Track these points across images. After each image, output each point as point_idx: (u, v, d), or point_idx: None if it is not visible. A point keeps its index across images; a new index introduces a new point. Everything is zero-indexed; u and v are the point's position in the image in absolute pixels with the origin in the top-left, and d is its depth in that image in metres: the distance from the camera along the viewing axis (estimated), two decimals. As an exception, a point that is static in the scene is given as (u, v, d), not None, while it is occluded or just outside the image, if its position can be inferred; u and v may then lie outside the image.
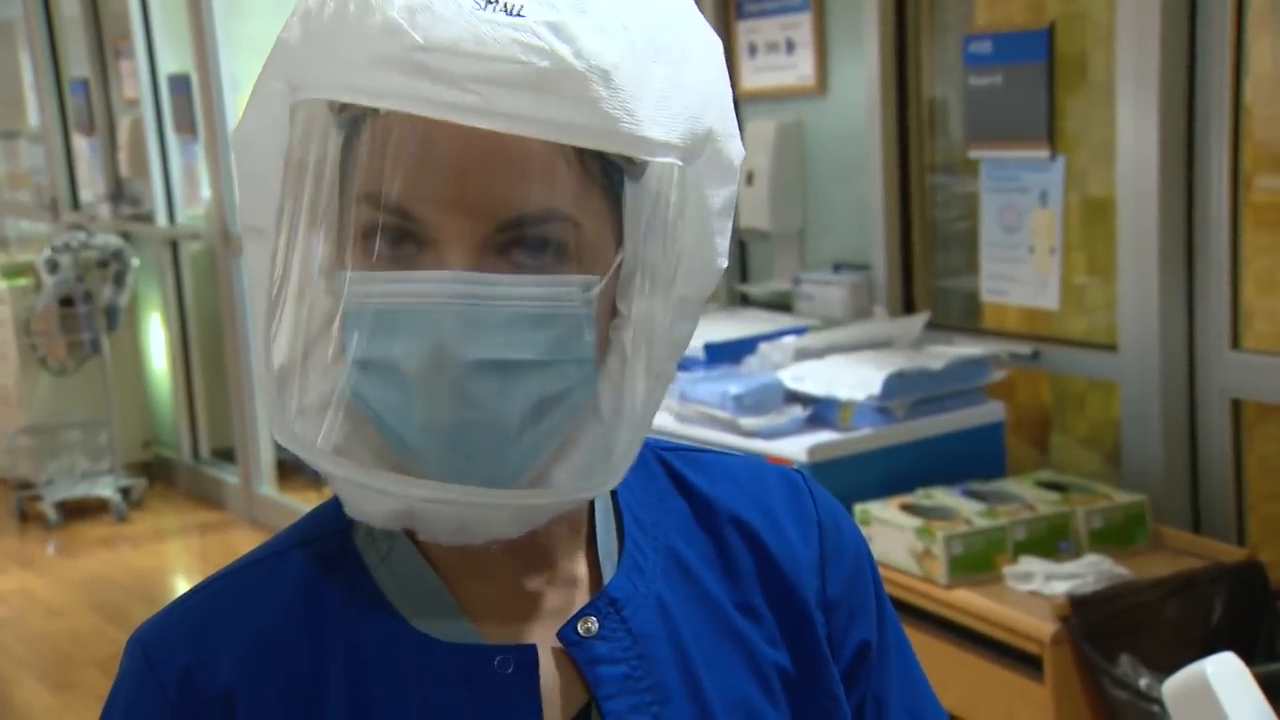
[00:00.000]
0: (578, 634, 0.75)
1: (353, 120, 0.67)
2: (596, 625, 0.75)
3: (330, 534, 0.77)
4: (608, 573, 0.77)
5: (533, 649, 0.74)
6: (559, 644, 0.75)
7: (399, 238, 0.67)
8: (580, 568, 0.77)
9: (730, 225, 0.75)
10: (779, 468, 0.86)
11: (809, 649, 0.80)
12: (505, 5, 0.64)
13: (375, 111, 0.66)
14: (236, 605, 0.76)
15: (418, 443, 0.67)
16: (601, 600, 0.76)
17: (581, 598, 0.76)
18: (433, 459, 0.67)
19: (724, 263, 0.75)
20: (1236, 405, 2.39)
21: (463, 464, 0.67)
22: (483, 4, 0.64)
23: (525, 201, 0.66)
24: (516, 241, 0.67)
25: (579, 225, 0.67)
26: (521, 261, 0.67)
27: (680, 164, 0.68)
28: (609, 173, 0.69)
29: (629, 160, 0.68)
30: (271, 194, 0.70)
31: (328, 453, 0.68)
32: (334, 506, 0.79)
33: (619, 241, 0.70)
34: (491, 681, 0.73)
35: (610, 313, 0.70)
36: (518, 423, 0.67)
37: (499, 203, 0.66)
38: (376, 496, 0.68)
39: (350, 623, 0.74)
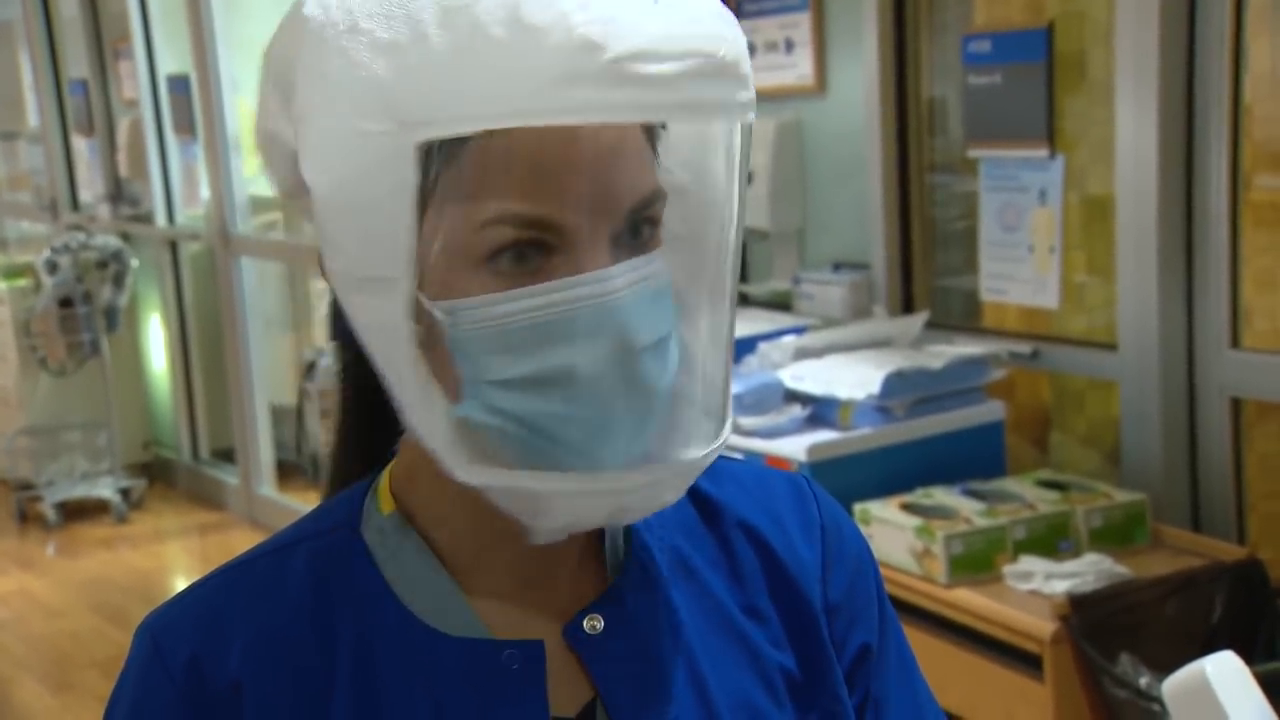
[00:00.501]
0: (584, 631, 0.75)
1: (431, 151, 0.66)
2: (602, 623, 0.76)
3: (338, 528, 0.78)
4: (614, 571, 0.78)
5: (540, 644, 0.74)
6: (565, 641, 0.75)
7: (527, 253, 0.67)
8: (587, 566, 0.78)
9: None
10: (784, 472, 0.87)
11: (814, 652, 0.80)
12: (669, 2, 0.66)
13: (479, 135, 0.65)
14: (245, 597, 0.76)
15: (589, 442, 0.68)
16: (608, 598, 0.76)
17: (588, 595, 0.77)
18: (606, 452, 0.68)
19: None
20: (1236, 404, 2.39)
21: (637, 448, 0.69)
22: (652, 3, 0.65)
23: (644, 187, 0.69)
24: (629, 228, 0.69)
25: (667, 200, 0.71)
26: (633, 245, 0.69)
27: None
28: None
29: (663, 126, 0.72)
30: (395, 239, 0.66)
31: (538, 473, 0.68)
32: (341, 503, 0.80)
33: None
34: (499, 676, 0.73)
35: None
36: (668, 396, 0.70)
37: (627, 193, 0.68)
38: (598, 498, 0.69)
39: (358, 616, 0.75)
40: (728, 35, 0.67)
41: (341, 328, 0.75)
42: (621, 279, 0.67)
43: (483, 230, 0.66)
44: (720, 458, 0.84)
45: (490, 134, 0.65)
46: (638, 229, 0.69)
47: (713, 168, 0.73)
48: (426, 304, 0.68)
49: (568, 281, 0.66)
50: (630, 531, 0.79)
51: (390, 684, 0.73)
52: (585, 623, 0.75)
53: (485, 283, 0.67)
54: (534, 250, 0.67)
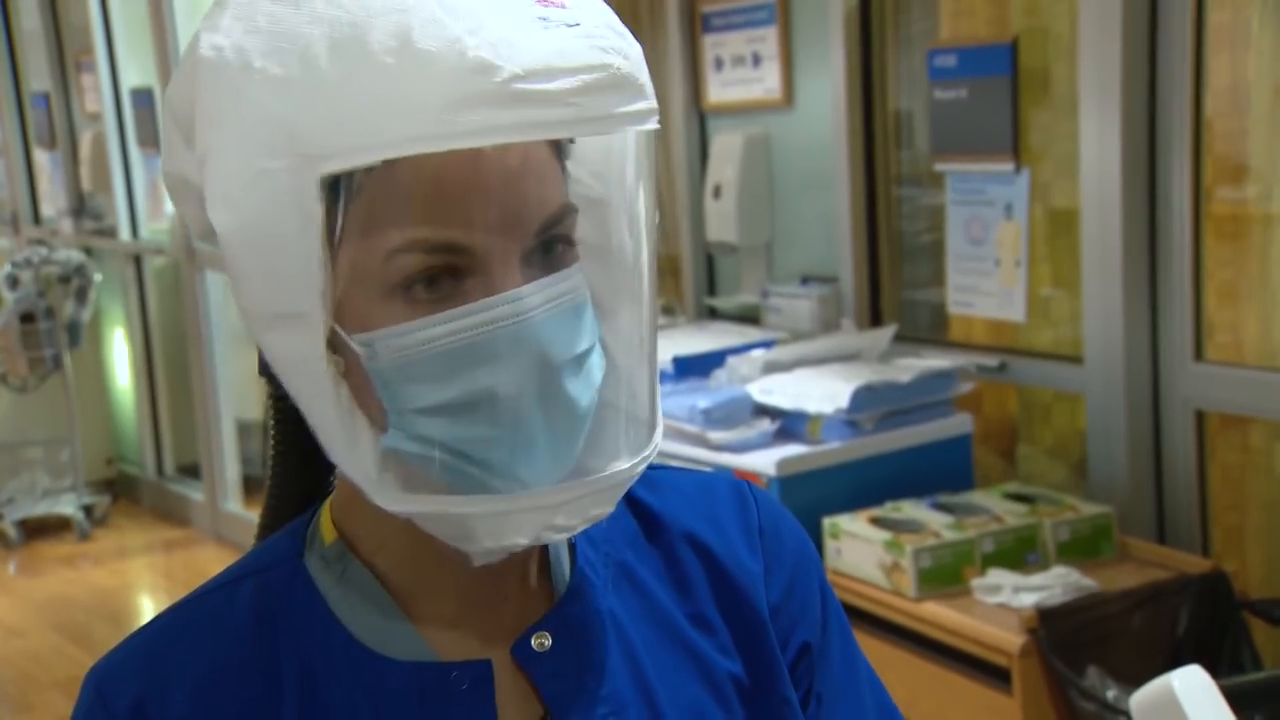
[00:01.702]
0: (532, 649, 0.75)
1: (345, 178, 0.66)
2: (550, 640, 0.76)
3: (283, 561, 0.77)
4: (560, 588, 0.78)
5: (488, 664, 0.74)
6: (514, 659, 0.75)
7: (439, 279, 0.67)
8: (533, 584, 0.78)
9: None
10: (727, 477, 0.88)
11: (762, 657, 0.81)
12: (563, 19, 0.67)
13: (382, 165, 0.64)
14: (188, 636, 0.75)
15: (510, 462, 0.68)
16: (554, 615, 0.76)
17: (535, 613, 0.77)
18: (528, 471, 0.68)
19: (658, 213, 0.77)
20: (1200, 416, 2.41)
21: (558, 467, 0.69)
22: (543, 23, 0.66)
23: (551, 204, 0.69)
24: (540, 246, 0.69)
25: (577, 214, 0.71)
26: (545, 263, 0.69)
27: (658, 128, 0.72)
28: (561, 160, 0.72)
29: (570, 141, 0.72)
30: (305, 275, 0.66)
31: (462, 497, 0.68)
32: (284, 536, 0.80)
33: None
34: (448, 698, 0.73)
35: None
36: (589, 413, 0.70)
37: (535, 212, 0.68)
38: (525, 517, 0.68)
39: (303, 645, 0.74)
40: (621, 48, 0.68)
41: (267, 363, 0.75)
42: (535, 298, 0.67)
43: (391, 259, 0.66)
44: (662, 467, 0.84)
45: (392, 163, 0.65)
46: (550, 246, 0.69)
47: (621, 178, 0.74)
48: (344, 337, 0.67)
49: (481, 304, 0.66)
50: (574, 547, 0.79)
51: (338, 711, 0.73)
52: (533, 641, 0.75)
53: (399, 311, 0.67)
54: (446, 276, 0.67)
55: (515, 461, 0.68)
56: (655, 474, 0.84)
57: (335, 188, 0.66)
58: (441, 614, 0.75)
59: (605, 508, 0.71)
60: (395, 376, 0.67)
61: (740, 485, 0.86)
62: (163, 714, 0.73)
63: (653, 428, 0.74)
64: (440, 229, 0.66)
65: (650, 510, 0.82)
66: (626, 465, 0.72)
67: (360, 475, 0.69)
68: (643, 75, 0.69)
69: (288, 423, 0.80)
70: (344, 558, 0.76)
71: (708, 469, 2.43)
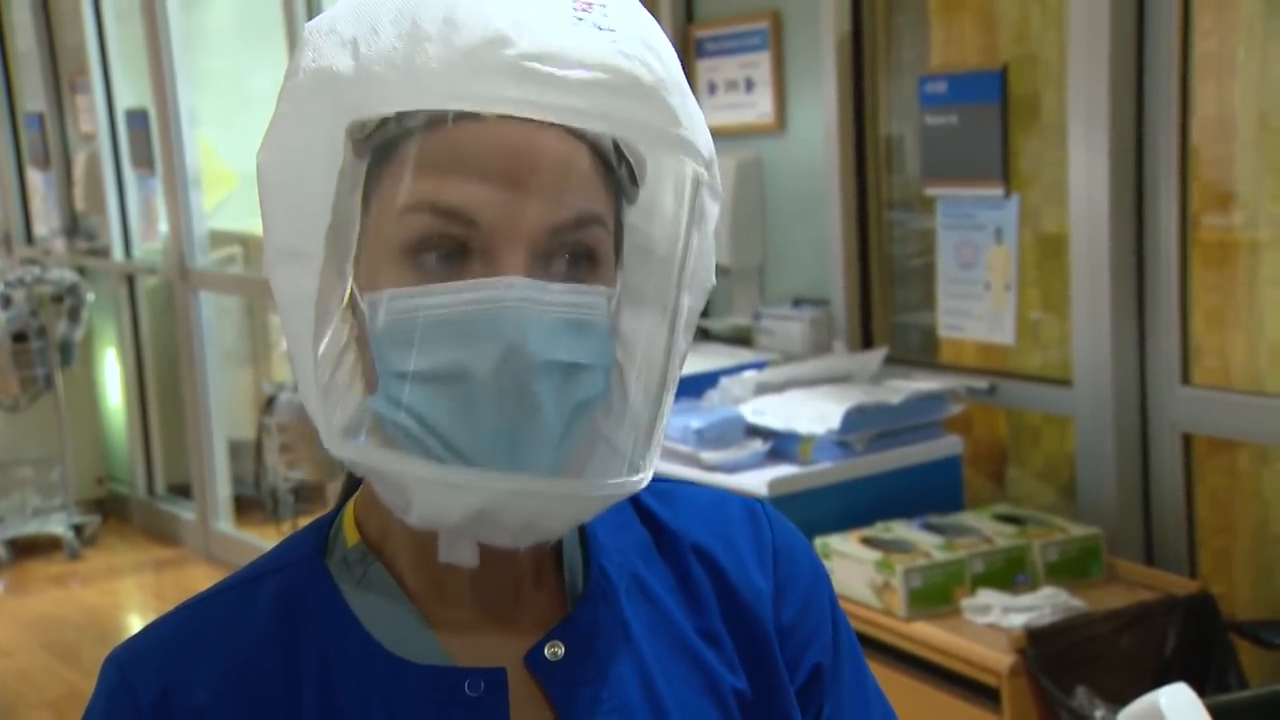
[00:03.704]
0: (545, 657, 0.76)
1: (381, 147, 0.70)
2: (563, 649, 0.77)
3: (304, 560, 0.78)
4: (574, 598, 0.79)
5: (502, 672, 0.75)
6: (527, 667, 0.76)
7: (443, 251, 0.69)
8: (548, 593, 0.79)
9: (714, 247, 0.79)
10: (739, 497, 0.89)
11: (768, 674, 0.82)
12: (596, 22, 0.69)
13: (418, 131, 0.68)
14: (212, 629, 0.76)
15: (476, 443, 0.68)
16: (568, 625, 0.77)
17: (549, 620, 0.78)
18: (493, 456, 0.68)
19: (714, 280, 0.79)
20: (1187, 440, 2.43)
21: (525, 458, 0.69)
22: (576, 19, 0.68)
23: (575, 206, 0.70)
24: (559, 250, 0.70)
25: (608, 232, 0.72)
26: (562, 271, 0.70)
27: (708, 176, 0.74)
28: (617, 196, 0.73)
29: (633, 180, 0.73)
30: (317, 214, 0.70)
31: (398, 454, 0.69)
32: (307, 535, 0.80)
33: (618, 262, 0.74)
34: (462, 704, 0.74)
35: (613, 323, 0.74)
36: (565, 423, 0.70)
37: (554, 206, 0.69)
38: (455, 493, 0.68)
39: (322, 645, 0.75)
40: (648, 61, 0.70)
41: None
42: (528, 292, 0.68)
43: (402, 217, 0.69)
44: (676, 482, 0.85)
45: (424, 130, 0.68)
46: (575, 259, 0.70)
47: (668, 227, 0.74)
48: (357, 295, 0.70)
49: (472, 284, 0.68)
50: (588, 557, 0.80)
51: (355, 713, 0.74)
52: (546, 650, 0.76)
53: (406, 276, 0.69)
54: (456, 254, 0.69)
55: (462, 434, 0.68)
56: (669, 487, 0.85)
57: (378, 153, 0.70)
58: (458, 618, 0.76)
59: (550, 521, 0.70)
60: (388, 339, 0.69)
61: (754, 505, 0.87)
62: (186, 706, 0.74)
63: (635, 469, 0.74)
64: (448, 194, 0.68)
65: (662, 523, 0.83)
66: (585, 486, 0.71)
67: (323, 420, 0.71)
68: (672, 96, 0.70)
69: None
70: (366, 559, 0.77)
71: (702, 486, 2.43)
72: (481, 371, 0.68)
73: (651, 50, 0.70)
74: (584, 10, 0.69)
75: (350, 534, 0.79)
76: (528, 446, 0.69)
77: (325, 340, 0.71)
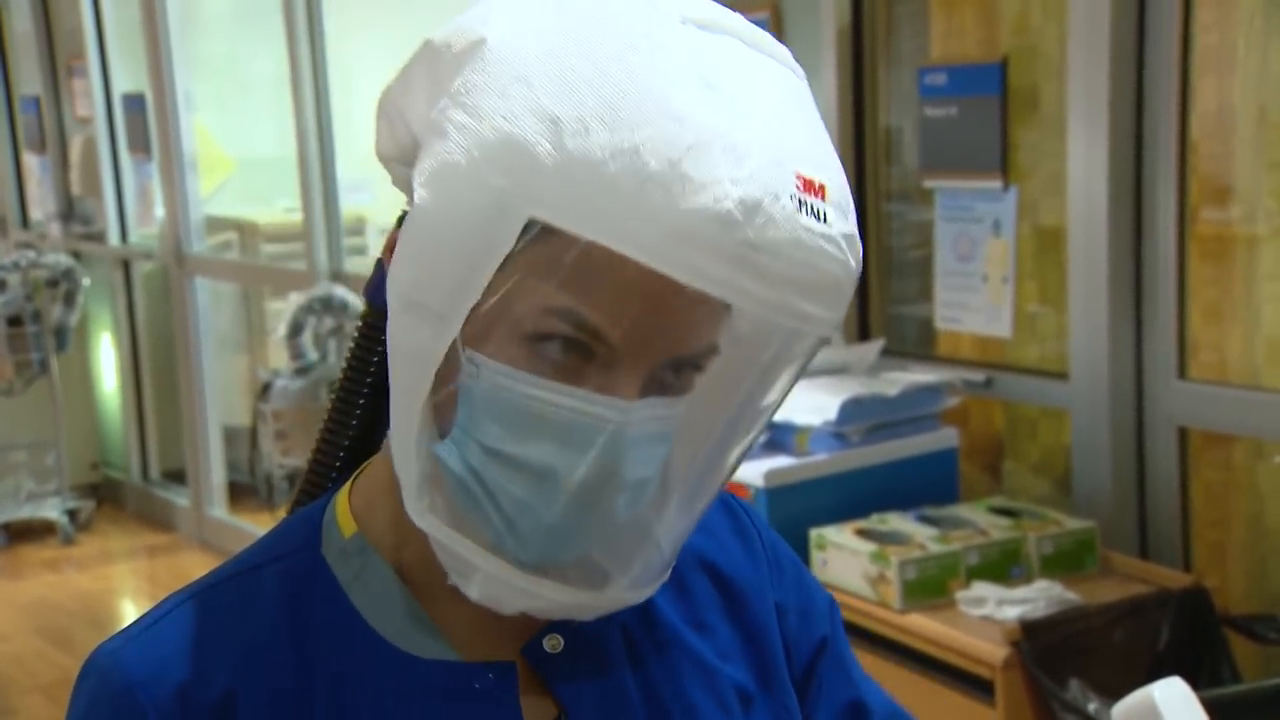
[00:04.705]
0: (544, 650, 0.77)
1: (545, 231, 0.66)
2: (562, 642, 0.77)
3: (299, 550, 0.78)
4: None
5: (513, 666, 0.76)
6: (526, 660, 0.77)
7: (570, 347, 0.67)
8: None
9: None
10: None
11: (766, 662, 0.83)
12: (816, 211, 0.66)
13: (584, 235, 0.65)
14: (222, 618, 0.75)
15: (535, 540, 0.69)
16: (565, 617, 0.77)
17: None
18: (544, 555, 0.70)
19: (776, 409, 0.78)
20: (1183, 433, 2.43)
21: (586, 581, 0.71)
22: (799, 204, 0.65)
23: (700, 340, 0.69)
24: (671, 363, 0.69)
25: (717, 353, 0.71)
26: (668, 381, 0.70)
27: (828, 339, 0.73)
28: None
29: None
30: (465, 288, 0.67)
31: (471, 544, 0.70)
32: (298, 525, 0.80)
33: None
34: (473, 698, 0.74)
35: None
36: (624, 528, 0.71)
37: (683, 341, 0.68)
38: (517, 595, 0.70)
39: (331, 640, 0.75)
40: (849, 263, 0.68)
41: (381, 301, 0.75)
42: (636, 415, 0.68)
43: (542, 316, 0.67)
44: None
45: (592, 240, 0.65)
46: (679, 368, 0.70)
47: (772, 356, 0.73)
48: (460, 345, 0.68)
49: (588, 397, 0.67)
50: None
51: (365, 706, 0.74)
52: (545, 642, 0.77)
53: (520, 356, 0.67)
54: (577, 348, 0.67)
55: (530, 534, 0.69)
56: None
57: (537, 227, 0.66)
58: (458, 613, 0.76)
59: (589, 615, 0.73)
60: (481, 405, 0.68)
61: (725, 496, 0.88)
62: (205, 701, 0.72)
63: (667, 568, 0.75)
64: (594, 313, 0.66)
65: None
66: (624, 594, 0.73)
67: (406, 474, 0.71)
68: (850, 288, 0.69)
69: (370, 375, 0.82)
70: (364, 552, 0.77)
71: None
72: (569, 478, 0.68)
73: (852, 248, 0.68)
74: (804, 191, 0.66)
75: (345, 525, 0.78)
76: (594, 566, 0.71)
77: (432, 403, 0.70)
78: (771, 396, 0.74)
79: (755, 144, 0.65)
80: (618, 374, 0.68)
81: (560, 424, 0.67)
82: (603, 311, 0.66)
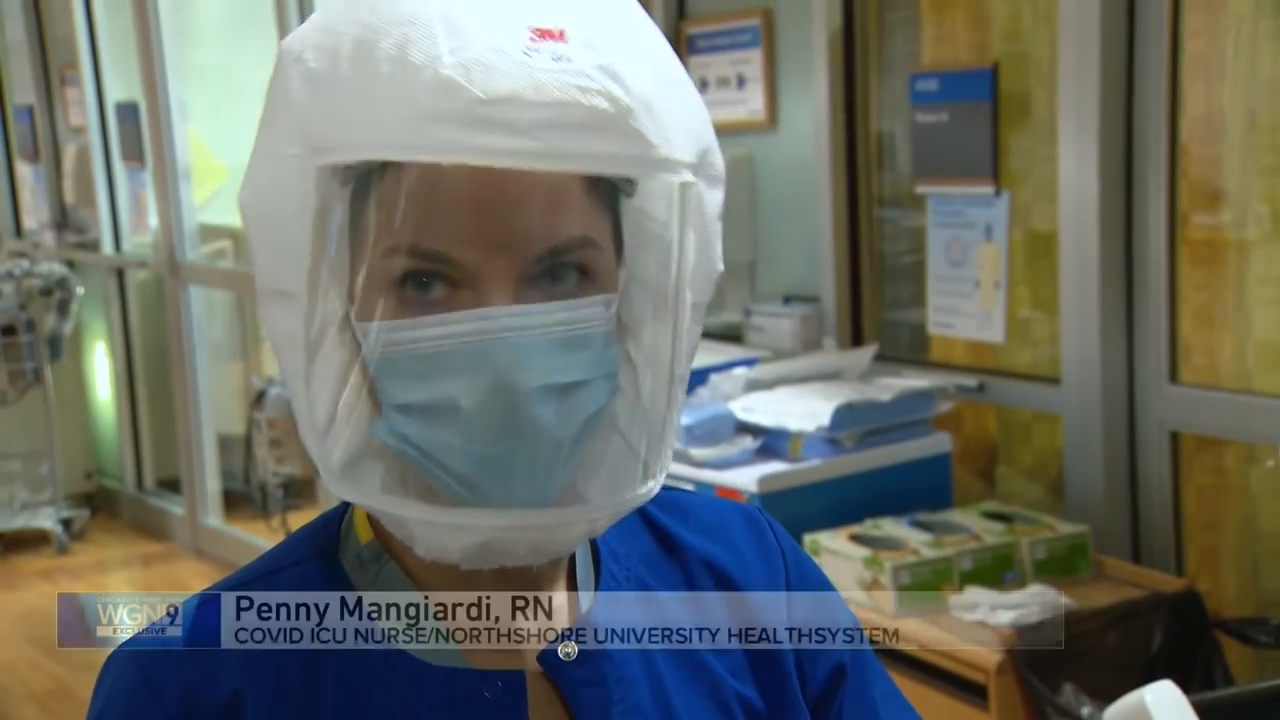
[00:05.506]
0: (558, 658, 0.77)
1: (364, 175, 0.69)
2: (576, 650, 0.77)
3: (317, 556, 0.79)
4: (585, 600, 0.80)
5: (521, 675, 0.76)
6: (540, 668, 0.77)
7: (430, 283, 0.69)
8: (560, 595, 0.79)
9: (721, 229, 0.78)
10: (737, 504, 0.90)
11: (777, 681, 0.83)
12: (551, 52, 0.66)
13: (394, 165, 0.67)
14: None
15: (477, 476, 0.69)
16: (580, 626, 0.78)
17: (561, 623, 0.78)
18: (494, 489, 0.69)
19: (721, 266, 0.78)
20: (1175, 438, 2.44)
21: (525, 490, 0.69)
22: (529, 52, 0.66)
23: (559, 233, 0.69)
24: (547, 271, 0.70)
25: (600, 247, 0.71)
26: (551, 289, 0.70)
27: (699, 182, 0.72)
28: (611, 193, 0.73)
29: (628, 180, 0.72)
30: (297, 257, 0.70)
31: (396, 498, 0.70)
32: (316, 530, 0.81)
33: (619, 257, 0.74)
34: (481, 707, 0.75)
35: (619, 327, 0.73)
36: (573, 442, 0.70)
37: (536, 237, 0.69)
38: (455, 533, 0.70)
39: (342, 644, 0.75)
40: (609, 90, 0.67)
41: None
42: (507, 321, 0.68)
43: (386, 258, 0.69)
44: (676, 490, 0.86)
45: (399, 169, 0.68)
46: (559, 274, 0.70)
47: (664, 224, 0.74)
48: (353, 323, 0.70)
49: (455, 316, 0.68)
50: (599, 559, 0.81)
51: (374, 712, 0.74)
52: (560, 650, 0.77)
53: (392, 308, 0.69)
54: (438, 281, 0.69)
55: (462, 469, 0.69)
56: (670, 495, 0.86)
57: (359, 183, 0.69)
58: (474, 622, 0.76)
59: (557, 544, 0.71)
60: (383, 369, 0.70)
61: (753, 511, 0.88)
62: (212, 702, 0.73)
63: (649, 474, 0.74)
64: (428, 238, 0.68)
65: (667, 531, 0.84)
66: (577, 510, 0.71)
67: (320, 459, 0.71)
68: (640, 118, 0.67)
69: None
70: (379, 559, 0.78)
71: (691, 487, 2.44)
72: (471, 405, 0.68)
73: (610, 74, 0.67)
74: (539, 39, 0.66)
75: (362, 531, 0.79)
76: (522, 479, 0.69)
77: (316, 379, 0.71)
78: (677, 259, 0.73)
79: (474, 12, 0.67)
80: (484, 290, 0.68)
81: (444, 355, 0.68)
82: (435, 234, 0.68)
